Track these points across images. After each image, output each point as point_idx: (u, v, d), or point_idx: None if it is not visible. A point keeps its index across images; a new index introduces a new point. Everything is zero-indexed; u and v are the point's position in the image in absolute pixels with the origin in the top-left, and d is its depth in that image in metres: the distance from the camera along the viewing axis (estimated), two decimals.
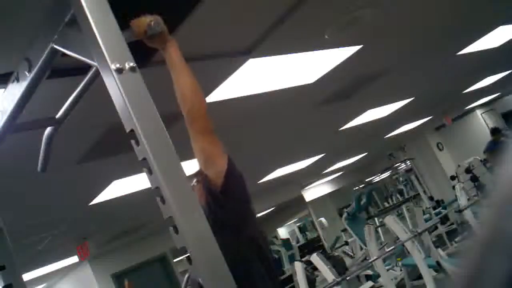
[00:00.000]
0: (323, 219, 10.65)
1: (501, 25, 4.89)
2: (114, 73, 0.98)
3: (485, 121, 11.64)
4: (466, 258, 0.31)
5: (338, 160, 9.57)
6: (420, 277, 5.31)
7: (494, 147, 7.64)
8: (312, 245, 10.81)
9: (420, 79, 5.78)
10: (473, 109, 11.51)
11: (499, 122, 11.56)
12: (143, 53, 1.36)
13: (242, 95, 3.47)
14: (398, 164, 11.60)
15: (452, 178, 8.37)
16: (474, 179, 7.38)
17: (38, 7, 1.62)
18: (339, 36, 3.18)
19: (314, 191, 11.89)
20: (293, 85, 3.76)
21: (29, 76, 1.30)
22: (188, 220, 0.96)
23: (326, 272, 4.93)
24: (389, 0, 3.05)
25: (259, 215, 10.51)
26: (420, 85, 6.12)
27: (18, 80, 1.36)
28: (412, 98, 6.51)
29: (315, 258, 5.09)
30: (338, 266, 5.63)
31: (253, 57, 2.92)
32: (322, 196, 12.23)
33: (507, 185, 0.30)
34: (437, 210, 9.29)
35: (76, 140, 2.97)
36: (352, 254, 7.91)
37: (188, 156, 1.54)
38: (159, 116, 1.02)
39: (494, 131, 8.08)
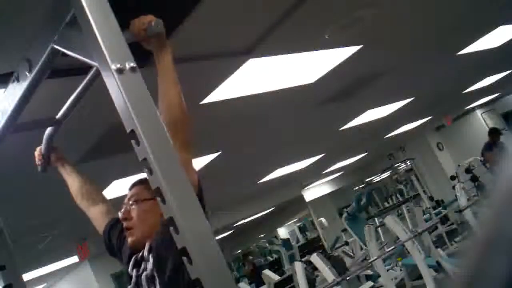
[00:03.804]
0: (323, 219, 10.65)
1: (501, 25, 4.89)
2: (114, 73, 0.98)
3: (485, 121, 11.63)
4: (466, 258, 0.31)
5: (338, 160, 9.57)
6: (420, 277, 5.31)
7: (492, 148, 7.63)
8: (312, 245, 10.81)
9: (420, 79, 5.78)
10: (473, 109, 11.51)
11: (499, 122, 11.56)
12: (144, 53, 1.35)
13: (242, 95, 3.47)
14: (398, 164, 11.60)
15: (452, 178, 8.36)
16: (474, 179, 7.37)
17: (39, 7, 1.62)
18: (339, 36, 3.18)
19: (314, 191, 11.89)
20: (293, 85, 3.76)
21: (30, 76, 1.30)
22: (188, 220, 0.96)
23: (326, 272, 4.93)
24: (389, 0, 3.05)
25: (259, 215, 10.53)
26: (420, 85, 6.12)
27: (18, 80, 1.36)
28: (412, 98, 6.51)
29: (315, 258, 5.09)
30: (338, 266, 5.63)
31: (253, 57, 2.92)
32: (322, 196, 12.23)
33: (507, 185, 0.30)
34: (437, 210, 9.29)
35: (76, 140, 2.97)
36: (352, 254, 7.90)
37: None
38: (159, 116, 1.03)
39: (492, 132, 8.07)
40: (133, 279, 1.56)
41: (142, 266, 1.56)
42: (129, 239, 1.63)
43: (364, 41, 3.50)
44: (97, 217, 1.91)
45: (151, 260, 1.52)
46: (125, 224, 1.64)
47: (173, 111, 1.40)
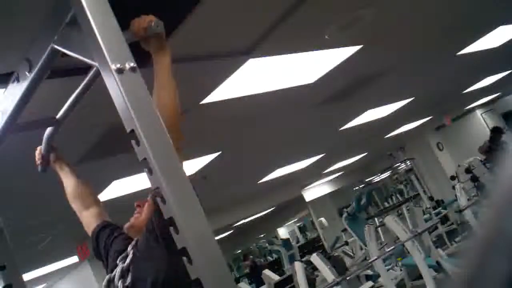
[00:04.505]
0: (323, 219, 10.65)
1: (501, 25, 4.89)
2: (114, 73, 0.98)
3: (485, 121, 11.64)
4: (466, 258, 0.31)
5: (338, 160, 9.57)
6: (420, 277, 5.31)
7: (490, 145, 7.65)
8: (312, 245, 10.81)
9: (420, 79, 5.78)
10: (473, 109, 11.51)
11: (499, 122, 11.56)
12: (144, 53, 1.35)
13: (242, 95, 3.47)
14: (398, 164, 11.60)
15: (452, 178, 8.35)
16: (474, 179, 7.36)
17: (39, 7, 1.62)
18: (339, 36, 3.18)
19: (314, 191, 11.89)
20: (293, 85, 3.76)
21: (30, 76, 1.31)
22: (188, 220, 0.96)
23: (326, 272, 4.93)
24: (389, 0, 3.05)
25: (259, 215, 10.52)
26: (420, 85, 6.12)
27: (18, 80, 1.36)
28: (412, 98, 6.51)
29: (315, 258, 5.09)
30: (338, 266, 5.63)
31: (253, 57, 2.92)
32: (322, 196, 12.23)
33: (507, 185, 0.30)
34: (437, 210, 9.29)
35: (76, 140, 2.97)
36: (352, 254, 7.90)
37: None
38: (159, 116, 1.03)
39: (494, 130, 8.08)
40: (116, 270, 1.58)
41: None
42: (131, 221, 1.72)
43: (364, 41, 3.50)
44: (89, 219, 1.92)
45: (130, 255, 1.57)
46: (137, 210, 1.76)
47: (166, 113, 1.39)
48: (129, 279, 1.52)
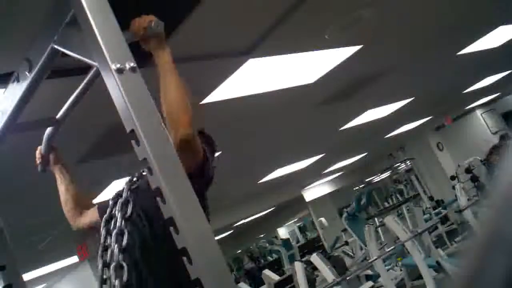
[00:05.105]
0: (323, 219, 10.64)
1: (501, 25, 4.89)
2: (114, 73, 0.98)
3: (485, 121, 11.63)
4: (466, 258, 0.31)
5: (338, 160, 9.57)
6: (420, 277, 5.31)
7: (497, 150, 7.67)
8: (312, 245, 10.81)
9: (420, 79, 5.78)
10: (473, 109, 11.50)
11: (499, 122, 11.55)
12: (144, 53, 1.35)
13: (242, 95, 3.47)
14: (398, 164, 11.60)
15: (452, 178, 8.36)
16: (474, 179, 7.37)
17: (39, 7, 1.62)
18: (339, 36, 3.18)
19: (314, 191, 11.88)
20: (293, 85, 3.76)
21: (30, 76, 1.31)
22: (188, 220, 0.96)
23: (326, 272, 4.93)
24: (389, 0, 3.05)
25: (259, 215, 10.53)
26: (420, 85, 6.12)
27: (18, 80, 1.36)
28: (412, 98, 6.51)
29: (315, 258, 5.09)
30: (338, 266, 5.63)
31: (253, 57, 2.92)
32: (322, 196, 12.22)
33: (507, 185, 0.30)
34: (437, 210, 9.28)
35: (76, 140, 2.97)
36: (352, 254, 7.90)
37: None
38: (159, 116, 1.03)
39: (503, 137, 8.10)
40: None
41: None
42: None
43: (364, 41, 3.50)
44: (92, 220, 1.91)
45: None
46: None
47: (172, 112, 1.39)
48: (129, 210, 1.45)
